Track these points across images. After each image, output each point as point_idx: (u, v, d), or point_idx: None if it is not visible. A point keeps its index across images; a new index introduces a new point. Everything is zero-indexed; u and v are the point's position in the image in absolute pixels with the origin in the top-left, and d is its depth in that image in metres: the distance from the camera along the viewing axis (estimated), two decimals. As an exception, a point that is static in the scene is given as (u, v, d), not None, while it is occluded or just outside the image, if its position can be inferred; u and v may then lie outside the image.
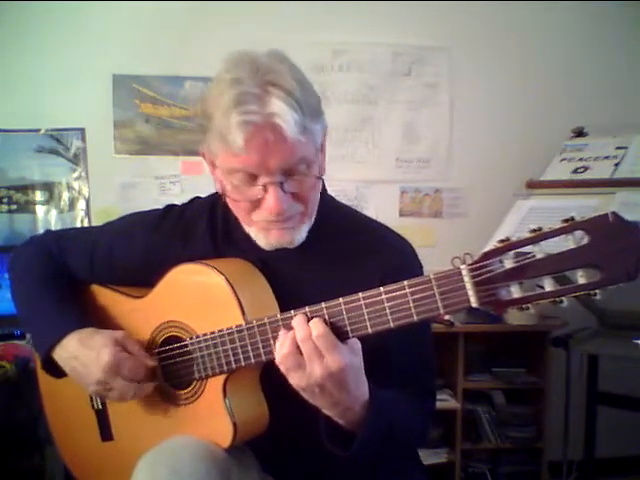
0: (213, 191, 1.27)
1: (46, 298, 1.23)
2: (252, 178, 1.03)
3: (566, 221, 0.81)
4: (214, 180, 1.14)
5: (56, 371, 1.20)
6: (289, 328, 0.99)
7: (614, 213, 0.79)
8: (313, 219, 1.12)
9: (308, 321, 0.98)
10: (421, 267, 1.18)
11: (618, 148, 2.49)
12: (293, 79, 1.00)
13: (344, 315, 0.97)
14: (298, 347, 0.96)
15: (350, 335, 0.98)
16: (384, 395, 1.04)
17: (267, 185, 1.02)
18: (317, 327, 0.96)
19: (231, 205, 1.11)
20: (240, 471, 1.10)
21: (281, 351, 0.97)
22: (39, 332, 1.21)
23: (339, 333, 0.97)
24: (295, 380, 0.97)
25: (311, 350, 0.95)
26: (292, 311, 1.01)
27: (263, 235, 1.09)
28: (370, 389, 1.01)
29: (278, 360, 0.98)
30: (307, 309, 1.00)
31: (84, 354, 1.13)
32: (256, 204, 1.06)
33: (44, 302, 1.23)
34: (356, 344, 0.98)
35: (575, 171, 2.52)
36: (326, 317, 0.98)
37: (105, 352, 1.11)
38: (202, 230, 1.21)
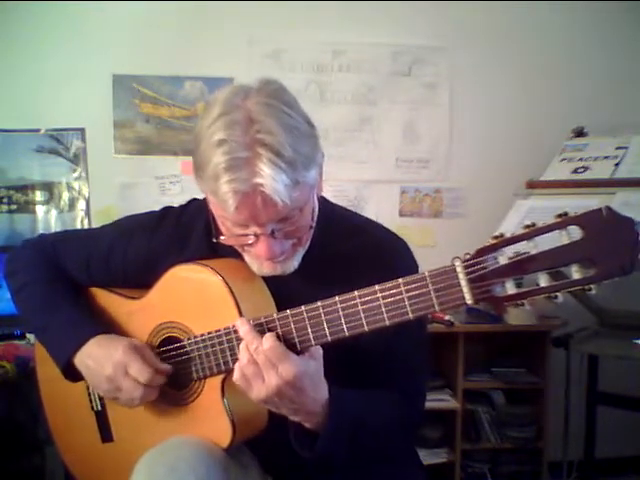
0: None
1: (60, 305, 1.23)
2: (243, 227, 1.02)
3: (559, 216, 0.81)
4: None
5: (76, 376, 1.20)
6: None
7: (607, 207, 0.79)
8: (308, 245, 1.10)
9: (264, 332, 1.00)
10: (417, 267, 1.17)
11: (618, 148, 2.49)
12: (284, 130, 0.96)
13: (305, 323, 1.00)
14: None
15: (312, 342, 1.00)
16: (347, 395, 1.04)
17: (258, 235, 1.01)
18: (266, 341, 0.98)
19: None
20: (239, 471, 1.11)
21: (240, 362, 0.99)
22: (59, 339, 1.21)
23: (292, 344, 1.00)
24: (255, 392, 0.98)
25: (264, 360, 0.97)
26: (288, 311, 1.02)
27: (256, 265, 1.08)
28: (330, 390, 1.02)
29: (237, 374, 0.99)
30: (262, 319, 1.03)
31: (99, 354, 1.15)
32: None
33: (59, 309, 1.23)
34: (317, 351, 1.00)
35: (575, 171, 2.52)
36: (279, 330, 1.01)
37: (119, 350, 1.12)
38: (200, 232, 1.20)
